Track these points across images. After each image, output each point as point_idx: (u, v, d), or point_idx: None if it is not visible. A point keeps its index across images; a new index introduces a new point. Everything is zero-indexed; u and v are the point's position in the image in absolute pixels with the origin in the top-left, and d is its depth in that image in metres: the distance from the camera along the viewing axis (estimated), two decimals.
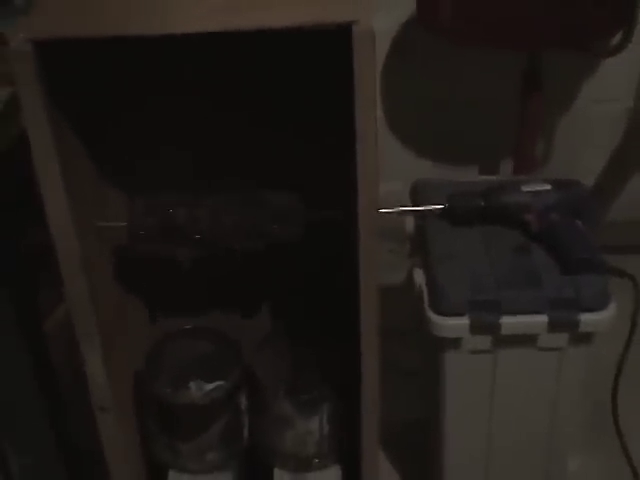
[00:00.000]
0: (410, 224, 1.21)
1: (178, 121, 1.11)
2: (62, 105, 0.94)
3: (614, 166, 1.74)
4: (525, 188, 1.12)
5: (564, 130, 1.70)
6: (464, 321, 1.06)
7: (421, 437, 1.39)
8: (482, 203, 1.12)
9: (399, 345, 1.34)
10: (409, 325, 1.40)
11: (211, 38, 0.86)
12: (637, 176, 1.78)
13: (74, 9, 0.92)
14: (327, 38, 0.87)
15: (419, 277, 1.13)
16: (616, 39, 1.39)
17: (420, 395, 1.41)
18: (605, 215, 1.73)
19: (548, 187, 1.12)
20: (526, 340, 1.07)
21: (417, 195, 1.21)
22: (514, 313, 1.05)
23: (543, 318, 1.05)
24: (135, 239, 1.12)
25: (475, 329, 1.06)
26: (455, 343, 1.08)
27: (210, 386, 1.19)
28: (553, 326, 1.05)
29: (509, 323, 1.05)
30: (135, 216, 1.12)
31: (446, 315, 1.06)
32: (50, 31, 0.87)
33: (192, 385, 1.19)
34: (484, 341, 1.07)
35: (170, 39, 0.86)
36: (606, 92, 1.68)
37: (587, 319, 1.05)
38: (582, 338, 1.07)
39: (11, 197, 1.12)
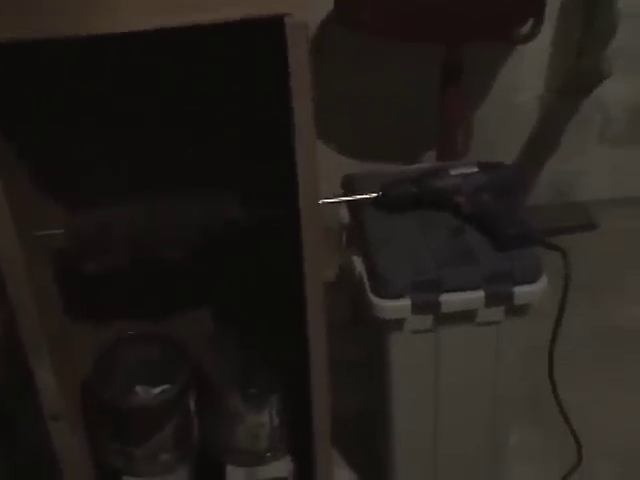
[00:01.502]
0: (344, 214, 1.24)
1: (115, 126, 1.11)
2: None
3: (530, 153, 1.82)
4: (454, 172, 1.16)
5: (482, 119, 1.76)
6: (406, 302, 1.09)
7: (367, 427, 1.42)
8: (414, 189, 1.16)
9: (335, 340, 1.37)
10: (339, 321, 1.43)
11: (143, 41, 0.88)
12: (551, 162, 1.86)
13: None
14: (262, 41, 0.90)
15: (358, 264, 1.16)
16: (527, 27, 1.47)
17: (361, 387, 1.45)
18: (523, 198, 1.80)
19: (475, 169, 1.17)
20: (465, 316, 1.11)
21: (350, 186, 1.24)
22: (452, 290, 1.09)
23: (480, 293, 1.09)
24: (73, 246, 1.12)
25: (416, 309, 1.09)
26: (398, 324, 1.11)
27: (157, 390, 1.20)
28: (489, 300, 1.10)
29: (448, 301, 1.09)
30: (73, 223, 1.13)
31: (388, 298, 1.09)
32: None
33: (139, 390, 1.19)
34: (425, 320, 1.11)
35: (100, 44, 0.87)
36: (520, 81, 1.76)
37: (521, 291, 1.10)
38: (517, 311, 1.12)
39: None
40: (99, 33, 0.84)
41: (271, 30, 0.86)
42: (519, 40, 1.52)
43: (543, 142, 1.84)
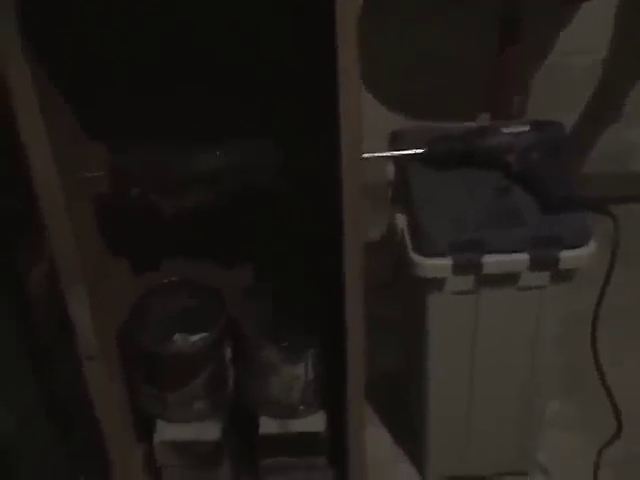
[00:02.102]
0: (391, 170, 1.22)
1: (159, 72, 1.10)
2: (43, 55, 0.93)
3: (589, 118, 1.76)
4: (505, 130, 1.13)
5: (540, 82, 1.71)
6: (447, 261, 1.06)
7: (402, 387, 1.41)
8: (462, 146, 1.12)
9: (376, 299, 1.35)
10: (386, 280, 1.42)
11: None
12: (612, 128, 1.80)
13: None
14: None
15: (401, 222, 1.14)
16: None
17: (399, 346, 1.43)
18: (580, 166, 1.75)
19: (527, 128, 1.13)
20: (508, 279, 1.08)
21: (397, 142, 1.21)
22: (496, 252, 1.06)
23: (524, 256, 1.06)
24: (116, 189, 1.12)
25: (458, 269, 1.07)
26: (438, 284, 1.09)
27: (195, 338, 1.20)
28: (534, 264, 1.06)
29: (491, 262, 1.06)
30: (117, 166, 1.12)
31: (429, 256, 1.07)
32: None
33: (177, 337, 1.19)
34: (466, 281, 1.08)
35: None
36: (581, 43, 1.69)
37: (567, 256, 1.06)
38: (563, 276, 1.08)
39: None
40: None
41: None
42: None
43: (603, 108, 1.78)
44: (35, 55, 0.91)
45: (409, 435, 1.36)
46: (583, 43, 1.70)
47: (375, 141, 1.24)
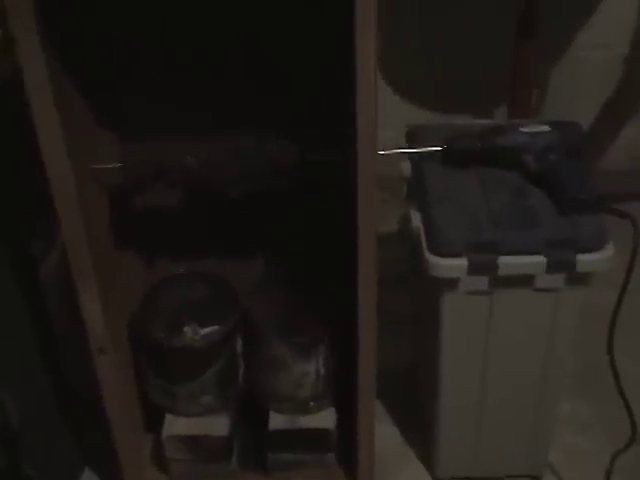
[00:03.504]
0: (407, 167, 1.20)
1: (173, 67, 1.10)
2: (57, 47, 0.92)
3: (608, 113, 1.74)
4: (523, 129, 1.11)
5: (558, 77, 1.69)
6: (461, 262, 1.05)
7: (414, 384, 1.40)
8: (480, 145, 1.11)
9: (389, 293, 1.34)
10: (399, 273, 1.41)
11: None
12: (630, 124, 1.78)
13: None
14: None
15: (416, 219, 1.12)
16: None
17: (410, 342, 1.42)
18: (598, 163, 1.73)
19: (546, 128, 1.11)
20: (523, 281, 1.07)
21: (414, 138, 1.20)
22: (511, 253, 1.05)
23: (540, 259, 1.05)
24: (130, 182, 1.11)
25: (472, 270, 1.05)
26: (452, 284, 1.07)
27: (205, 330, 1.19)
28: (550, 266, 1.05)
29: (506, 264, 1.05)
30: (129, 160, 1.11)
31: (444, 256, 1.05)
32: None
33: (187, 329, 1.19)
34: (481, 282, 1.07)
35: None
36: (601, 39, 1.67)
37: (584, 259, 1.05)
38: (579, 279, 1.07)
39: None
40: None
41: None
42: None
43: (622, 105, 1.76)
44: (49, 43, 0.90)
45: (419, 434, 1.35)
46: (603, 38, 1.68)
47: (392, 134, 1.23)
